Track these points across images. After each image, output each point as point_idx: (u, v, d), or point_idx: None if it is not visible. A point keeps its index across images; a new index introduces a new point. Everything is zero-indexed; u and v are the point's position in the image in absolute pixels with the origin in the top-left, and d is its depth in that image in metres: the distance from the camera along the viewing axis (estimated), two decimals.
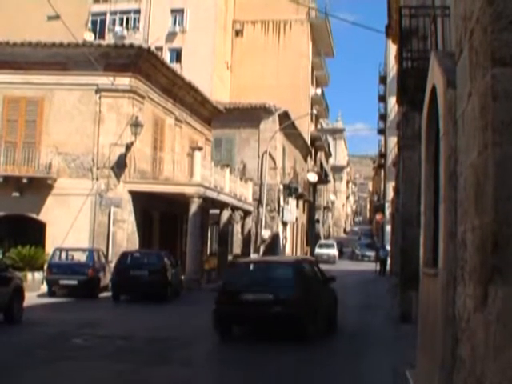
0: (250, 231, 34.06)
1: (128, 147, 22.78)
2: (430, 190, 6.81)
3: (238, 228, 33.09)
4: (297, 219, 48.28)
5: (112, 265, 20.67)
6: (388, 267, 34.92)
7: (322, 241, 56.59)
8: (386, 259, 36.23)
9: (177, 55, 44.57)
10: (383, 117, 59.49)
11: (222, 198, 27.47)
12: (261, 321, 12.47)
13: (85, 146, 22.90)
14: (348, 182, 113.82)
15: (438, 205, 5.96)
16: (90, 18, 45.77)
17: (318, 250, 49.06)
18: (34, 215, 22.73)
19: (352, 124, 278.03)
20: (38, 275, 20.81)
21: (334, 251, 49.58)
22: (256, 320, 12.47)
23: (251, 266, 14.04)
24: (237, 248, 32.88)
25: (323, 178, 63.26)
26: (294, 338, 11.87)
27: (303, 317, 11.94)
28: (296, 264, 13.66)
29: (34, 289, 19.80)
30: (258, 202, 38.50)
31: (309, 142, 52.86)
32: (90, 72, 22.54)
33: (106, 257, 21.83)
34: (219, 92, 43.85)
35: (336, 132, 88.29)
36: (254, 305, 12.09)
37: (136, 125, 22.39)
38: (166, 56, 42.15)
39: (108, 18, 46.13)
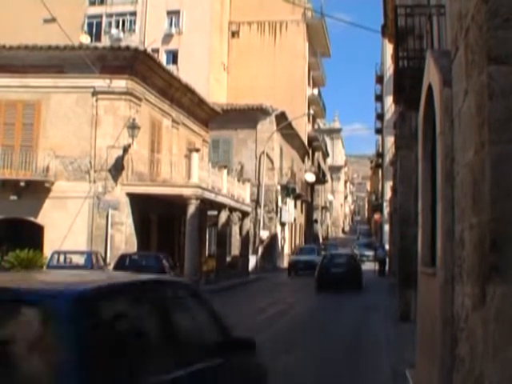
0: (248, 232, 34.03)
1: (125, 149, 22.75)
2: (428, 189, 6.81)
3: (236, 229, 33.09)
4: (295, 220, 48.27)
5: (110, 267, 20.63)
6: (387, 267, 34.87)
7: (304, 245, 47.44)
8: (385, 259, 36.13)
9: (173, 57, 44.59)
10: (380, 116, 59.52)
11: (220, 199, 27.46)
12: (338, 282, 24.63)
13: (82, 148, 22.88)
14: (346, 182, 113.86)
15: (436, 204, 5.95)
16: (86, 21, 45.84)
17: (293, 258, 37.76)
18: (31, 218, 22.70)
19: (349, 124, 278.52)
20: None
21: (314, 257, 35.28)
22: (336, 281, 24.69)
23: (333, 255, 28.18)
24: (235, 249, 32.88)
25: (321, 178, 63.31)
26: (350, 290, 23.90)
27: (355, 279, 25.12)
28: (351, 254, 30.80)
29: None
30: (256, 202, 38.53)
31: (306, 143, 52.94)
32: (86, 75, 22.51)
33: (104, 259, 21.78)
34: (216, 93, 43.87)
35: (333, 132, 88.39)
36: (336, 274, 24.93)
37: (133, 127, 22.37)
38: (163, 58, 42.18)
39: (104, 20, 46.11)
